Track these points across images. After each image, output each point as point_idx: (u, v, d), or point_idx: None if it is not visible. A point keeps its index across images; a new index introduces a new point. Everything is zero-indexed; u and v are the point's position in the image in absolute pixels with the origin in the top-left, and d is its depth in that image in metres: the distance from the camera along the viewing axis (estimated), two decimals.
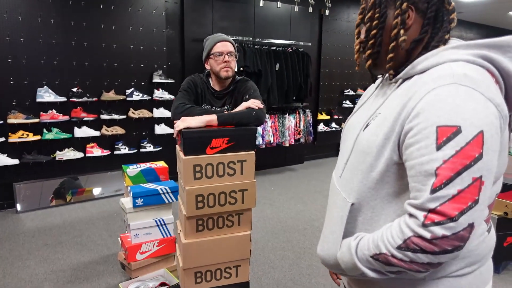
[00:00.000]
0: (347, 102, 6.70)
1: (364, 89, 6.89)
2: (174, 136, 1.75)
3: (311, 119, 5.86)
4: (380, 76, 1.08)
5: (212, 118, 1.70)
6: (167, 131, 4.65)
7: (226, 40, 1.95)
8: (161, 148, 4.65)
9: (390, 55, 0.90)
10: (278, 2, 5.06)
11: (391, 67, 0.91)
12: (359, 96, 6.84)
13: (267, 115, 5.30)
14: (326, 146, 6.64)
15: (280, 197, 4.49)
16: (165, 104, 4.62)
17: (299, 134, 5.68)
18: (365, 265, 0.84)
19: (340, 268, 0.92)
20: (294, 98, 5.49)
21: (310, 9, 5.27)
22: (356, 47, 0.98)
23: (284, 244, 3.24)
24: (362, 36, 0.95)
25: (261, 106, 1.80)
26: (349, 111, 6.86)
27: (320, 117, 6.35)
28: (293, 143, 5.62)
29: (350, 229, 0.92)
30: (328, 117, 6.45)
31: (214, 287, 1.80)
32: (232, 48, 1.97)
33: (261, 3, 4.87)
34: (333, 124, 6.52)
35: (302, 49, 5.51)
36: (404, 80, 0.89)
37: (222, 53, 1.91)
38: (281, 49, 5.30)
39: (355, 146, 0.93)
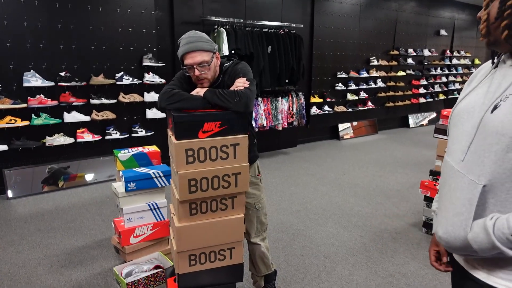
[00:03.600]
0: (340, 84, 6.68)
1: (357, 72, 6.88)
2: None
3: (304, 102, 5.85)
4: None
5: (200, 90, 1.72)
6: (158, 116, 4.60)
7: (193, 50, 1.70)
8: (153, 132, 4.61)
9: None
10: None
11: None
12: (352, 78, 6.82)
13: (260, 98, 5.26)
14: (319, 129, 6.66)
15: (273, 180, 4.51)
16: (156, 88, 4.56)
17: (292, 117, 5.67)
18: (505, 244, 0.85)
19: (469, 249, 0.93)
20: (287, 81, 5.45)
21: None
22: (484, 17, 0.94)
23: (278, 226, 3.27)
24: (495, 7, 0.91)
25: (246, 84, 1.70)
26: (342, 93, 6.85)
27: (313, 100, 6.33)
28: (286, 126, 5.62)
29: (478, 211, 0.91)
30: (321, 100, 6.44)
31: (208, 269, 1.81)
32: (203, 56, 1.71)
33: None
34: (326, 107, 6.51)
35: (294, 31, 5.45)
36: None
37: (192, 67, 1.72)
38: (273, 31, 5.23)
39: (481, 129, 0.91)
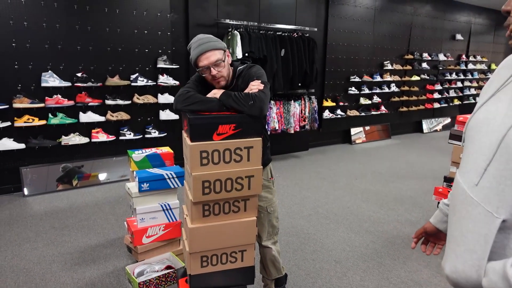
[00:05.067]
0: (353, 88, 6.64)
1: (371, 76, 6.82)
2: None
3: (317, 106, 5.83)
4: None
5: (217, 92, 1.73)
6: (172, 117, 4.65)
7: (206, 50, 1.72)
8: (166, 133, 4.65)
9: None
10: None
11: None
12: (365, 82, 6.78)
13: (272, 102, 5.27)
14: (331, 133, 6.62)
15: (285, 183, 4.50)
16: (170, 90, 4.60)
17: (304, 120, 5.66)
18: None
19: None
20: (300, 84, 5.45)
21: None
22: None
23: (289, 229, 3.26)
24: None
25: (261, 87, 1.70)
26: (355, 98, 6.81)
27: (325, 103, 6.31)
28: (298, 129, 5.61)
29: (496, 250, 0.77)
30: (334, 104, 6.41)
31: (220, 270, 1.82)
32: (217, 55, 1.74)
33: None
34: (339, 111, 6.48)
35: (308, 35, 5.44)
36: None
37: (208, 67, 1.74)
38: (286, 34, 5.24)
39: (503, 149, 0.76)
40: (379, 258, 2.83)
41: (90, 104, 4.14)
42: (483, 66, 9.25)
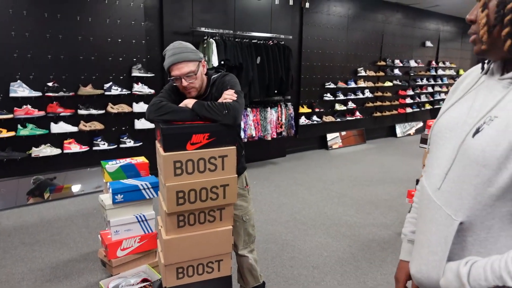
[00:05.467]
0: (328, 95, 6.76)
1: (345, 82, 6.97)
2: None
3: (293, 112, 5.89)
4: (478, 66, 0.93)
5: (189, 101, 1.70)
6: (147, 126, 4.59)
7: (179, 61, 1.71)
8: (141, 143, 4.58)
9: None
10: None
11: None
12: (340, 89, 6.91)
13: (249, 109, 5.29)
14: (308, 139, 6.70)
15: (262, 190, 4.51)
16: (145, 98, 4.55)
17: (281, 127, 5.70)
18: None
19: None
20: (276, 91, 5.50)
21: (291, 2, 5.28)
22: (484, 20, 0.79)
23: (267, 236, 3.26)
24: (492, 10, 0.78)
25: (235, 96, 1.70)
26: (330, 104, 6.92)
27: (301, 110, 6.39)
28: (275, 136, 5.65)
29: (455, 251, 0.80)
30: (310, 110, 6.50)
31: (197, 281, 1.80)
32: (190, 67, 1.73)
33: None
34: (315, 117, 6.57)
35: (283, 42, 5.51)
36: None
37: (179, 78, 1.74)
38: (262, 42, 5.29)
39: (461, 155, 0.79)
40: (355, 262, 2.87)
41: (62, 114, 4.03)
42: (452, 72, 9.62)
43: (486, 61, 0.89)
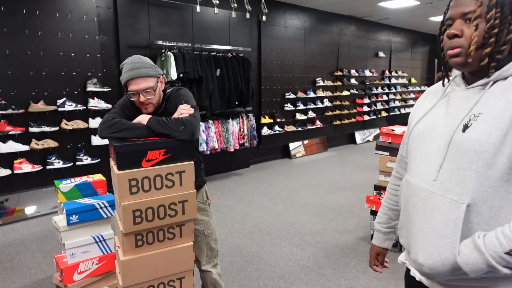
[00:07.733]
0: (289, 105, 6.89)
1: (305, 92, 7.14)
2: None
3: (255, 123, 5.94)
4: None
5: (144, 118, 1.66)
6: (105, 142, 4.44)
7: (137, 76, 1.68)
8: (99, 159, 4.42)
9: (498, 56, 0.92)
10: (215, 8, 5.07)
11: (495, 67, 0.92)
12: (300, 99, 7.07)
13: (211, 121, 5.27)
14: (271, 149, 6.77)
15: (226, 203, 4.49)
16: (102, 114, 4.41)
17: (243, 138, 5.72)
18: (499, 262, 0.83)
19: (457, 272, 0.91)
20: (237, 103, 5.53)
21: (247, 15, 5.36)
22: (475, 39, 0.91)
23: (232, 249, 3.24)
24: (482, 31, 0.91)
25: (191, 111, 1.68)
26: (291, 113, 7.06)
27: (263, 120, 6.46)
28: (238, 147, 5.66)
29: (463, 232, 0.90)
30: (271, 121, 6.58)
31: None
32: (148, 82, 1.69)
33: (198, 9, 4.86)
34: (276, 127, 6.66)
35: (242, 54, 5.57)
36: (494, 82, 0.92)
37: (137, 93, 1.70)
38: (221, 54, 5.32)
39: (454, 148, 0.92)
40: (320, 269, 2.91)
41: (11, 132, 3.82)
42: (404, 80, 10.15)
43: (446, 79, 1.06)
